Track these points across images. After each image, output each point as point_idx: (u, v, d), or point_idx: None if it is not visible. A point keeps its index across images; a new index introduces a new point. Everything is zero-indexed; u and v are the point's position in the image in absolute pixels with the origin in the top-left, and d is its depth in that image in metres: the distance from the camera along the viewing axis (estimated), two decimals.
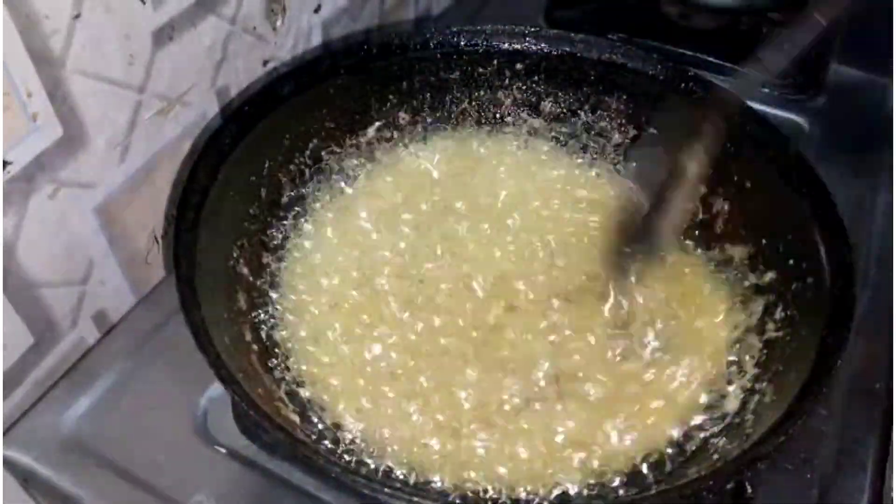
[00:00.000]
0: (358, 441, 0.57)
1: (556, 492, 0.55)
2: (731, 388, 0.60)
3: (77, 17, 0.54)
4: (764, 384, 0.58)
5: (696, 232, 0.70)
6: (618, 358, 0.62)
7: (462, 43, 0.73)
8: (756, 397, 0.58)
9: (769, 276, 0.64)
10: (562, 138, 0.76)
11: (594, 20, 0.95)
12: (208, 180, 0.60)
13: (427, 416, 0.58)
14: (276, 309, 0.63)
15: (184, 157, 0.70)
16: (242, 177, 0.64)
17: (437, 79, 0.74)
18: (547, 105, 0.76)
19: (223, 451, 0.59)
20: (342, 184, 0.72)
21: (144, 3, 0.58)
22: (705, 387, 0.61)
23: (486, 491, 0.55)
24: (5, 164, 0.53)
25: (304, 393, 0.59)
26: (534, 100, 0.76)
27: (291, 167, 0.69)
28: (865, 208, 0.79)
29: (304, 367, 0.60)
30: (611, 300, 0.65)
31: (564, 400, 0.59)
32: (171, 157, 0.68)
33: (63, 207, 0.59)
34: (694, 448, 0.57)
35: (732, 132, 0.67)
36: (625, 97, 0.73)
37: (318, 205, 0.70)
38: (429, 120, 0.76)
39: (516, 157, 0.75)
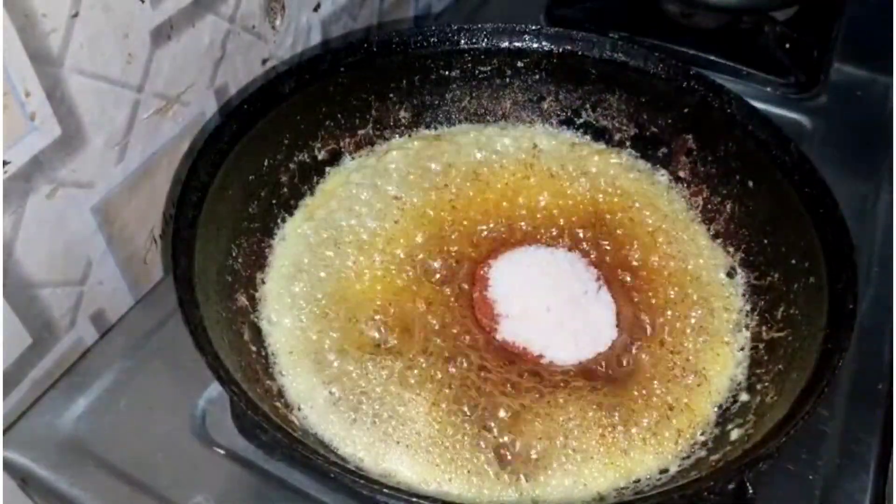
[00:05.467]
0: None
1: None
2: (732, 389, 0.60)
3: (75, 15, 0.53)
4: (765, 384, 0.58)
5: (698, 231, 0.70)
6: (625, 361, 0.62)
7: (462, 41, 0.72)
8: (758, 397, 0.58)
9: (771, 275, 0.64)
10: (563, 136, 0.76)
11: (595, 18, 0.95)
12: (207, 179, 0.60)
13: (422, 413, 0.58)
14: (276, 308, 0.63)
15: (182, 156, 0.69)
16: (242, 175, 0.64)
17: (438, 77, 0.74)
18: (548, 103, 0.76)
19: (221, 451, 0.59)
20: (342, 182, 0.71)
21: (143, 1, 0.58)
22: (705, 387, 0.61)
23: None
24: (4, 163, 0.53)
25: (303, 391, 0.59)
26: (535, 98, 0.76)
27: (291, 165, 0.69)
28: (867, 207, 0.78)
29: (301, 367, 0.60)
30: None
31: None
32: (169, 156, 0.68)
33: (61, 207, 0.59)
34: (695, 449, 0.57)
35: (734, 131, 0.67)
36: (626, 95, 0.73)
37: (317, 203, 0.70)
38: (429, 118, 0.76)
39: (518, 156, 0.74)
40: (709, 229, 0.70)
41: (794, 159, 0.63)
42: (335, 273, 0.65)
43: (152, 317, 0.67)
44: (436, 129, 0.76)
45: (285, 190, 0.69)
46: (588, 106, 0.75)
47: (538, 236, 0.69)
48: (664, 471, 0.56)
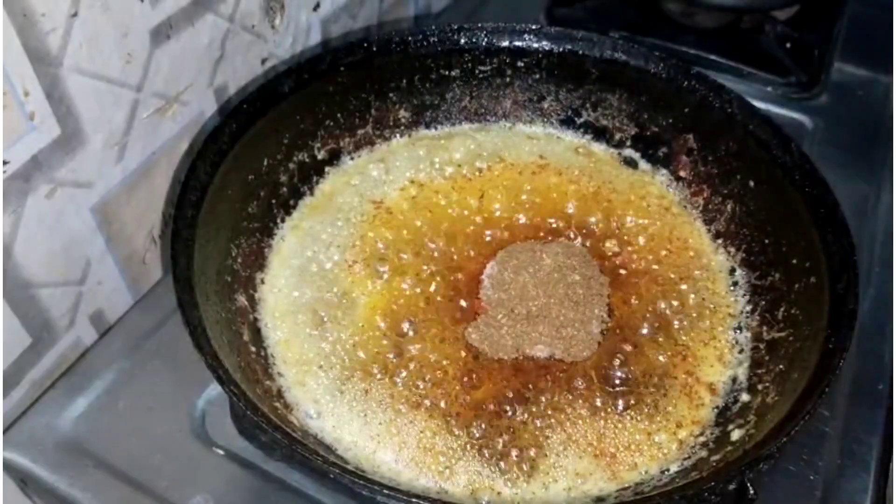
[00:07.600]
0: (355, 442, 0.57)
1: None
2: (733, 389, 0.60)
3: (74, 15, 0.53)
4: (766, 384, 0.58)
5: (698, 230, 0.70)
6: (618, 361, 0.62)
7: (462, 41, 0.72)
8: (759, 398, 0.58)
9: (772, 275, 0.64)
10: (563, 136, 0.76)
11: (595, 18, 0.95)
12: (207, 179, 0.60)
13: (420, 419, 0.58)
14: (275, 309, 0.63)
15: (182, 156, 0.69)
16: (241, 175, 0.64)
17: (438, 77, 0.74)
18: (548, 103, 0.76)
19: (221, 452, 0.59)
20: (342, 182, 0.71)
21: (142, 1, 0.58)
22: (707, 387, 0.61)
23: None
24: (3, 163, 0.53)
25: (301, 393, 0.59)
26: (535, 98, 0.76)
27: (291, 165, 0.69)
28: (868, 207, 0.78)
29: (301, 367, 0.60)
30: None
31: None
32: (168, 156, 0.68)
33: (60, 207, 0.59)
34: (695, 450, 0.57)
35: (735, 131, 0.67)
36: (626, 95, 0.73)
37: (316, 203, 0.70)
38: (429, 118, 0.76)
39: (518, 156, 0.74)
40: (709, 229, 0.70)
41: (794, 159, 0.63)
42: (334, 274, 0.65)
43: (151, 317, 0.67)
44: (436, 128, 0.76)
45: (285, 190, 0.68)
46: (588, 105, 0.75)
47: (537, 236, 0.69)
48: (664, 471, 0.56)
